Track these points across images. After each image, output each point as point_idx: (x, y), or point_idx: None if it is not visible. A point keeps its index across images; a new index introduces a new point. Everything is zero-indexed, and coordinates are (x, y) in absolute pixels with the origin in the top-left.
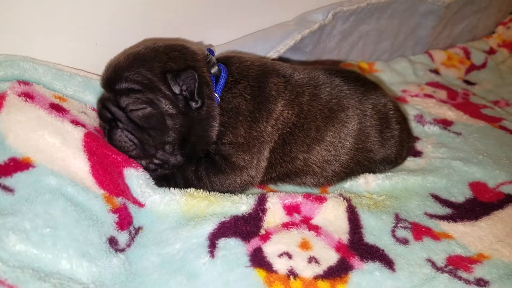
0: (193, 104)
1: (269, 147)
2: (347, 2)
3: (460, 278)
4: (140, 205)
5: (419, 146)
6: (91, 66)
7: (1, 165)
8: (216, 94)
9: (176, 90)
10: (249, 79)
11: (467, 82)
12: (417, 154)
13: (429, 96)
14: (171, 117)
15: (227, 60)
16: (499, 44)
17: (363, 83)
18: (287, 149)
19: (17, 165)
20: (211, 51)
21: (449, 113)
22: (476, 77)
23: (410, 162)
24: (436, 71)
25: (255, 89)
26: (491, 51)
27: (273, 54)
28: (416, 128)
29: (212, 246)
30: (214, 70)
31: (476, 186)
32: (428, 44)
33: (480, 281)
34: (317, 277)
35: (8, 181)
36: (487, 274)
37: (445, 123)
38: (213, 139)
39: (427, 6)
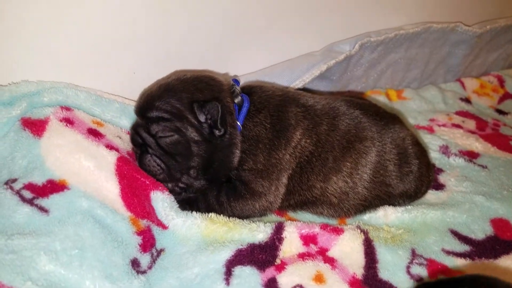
0: (217, 132)
1: (287, 174)
2: (375, 33)
3: None
4: (164, 227)
5: (442, 178)
6: (128, 93)
7: (39, 186)
8: (238, 123)
9: (202, 118)
10: (269, 108)
11: (499, 112)
12: (440, 187)
13: (457, 126)
14: (196, 144)
15: (250, 90)
16: None
17: (382, 117)
18: (305, 177)
19: (54, 186)
20: (236, 81)
21: (476, 145)
22: (510, 106)
23: (432, 195)
24: (467, 100)
25: (274, 118)
26: None
27: (298, 83)
28: (440, 159)
29: (228, 273)
30: (237, 100)
31: (498, 223)
32: (460, 72)
33: None
34: None
35: (44, 202)
36: None
37: (471, 155)
38: (234, 165)
39: (458, 36)
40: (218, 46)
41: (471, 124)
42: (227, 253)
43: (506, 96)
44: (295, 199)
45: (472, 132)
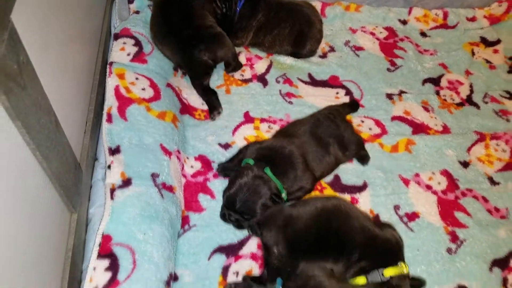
0: (228, 12)
1: (252, 31)
2: None
3: None
4: None
5: (330, 55)
6: None
7: None
8: (238, 8)
9: (224, 4)
10: (251, 3)
11: (422, 34)
12: (324, 56)
13: (372, 33)
14: (221, 14)
15: None
16: (485, 16)
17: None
18: (258, 33)
19: None
20: None
21: (366, 43)
22: (437, 33)
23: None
24: (404, 22)
25: (253, 7)
26: (472, 19)
27: None
28: (338, 46)
29: None
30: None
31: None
32: (414, 3)
33: None
34: None
35: None
36: None
37: (357, 49)
38: (233, 26)
39: None
40: None
41: (383, 34)
42: None
43: (442, 26)
44: (252, 41)
45: (377, 38)
